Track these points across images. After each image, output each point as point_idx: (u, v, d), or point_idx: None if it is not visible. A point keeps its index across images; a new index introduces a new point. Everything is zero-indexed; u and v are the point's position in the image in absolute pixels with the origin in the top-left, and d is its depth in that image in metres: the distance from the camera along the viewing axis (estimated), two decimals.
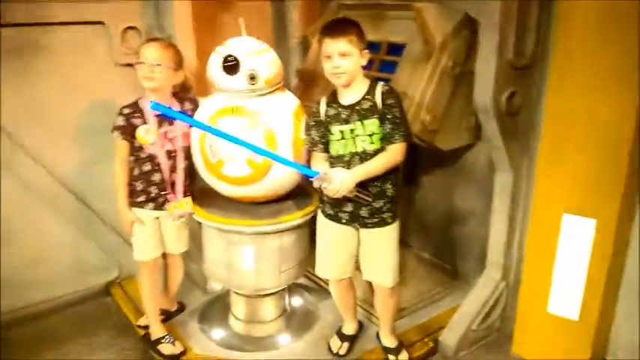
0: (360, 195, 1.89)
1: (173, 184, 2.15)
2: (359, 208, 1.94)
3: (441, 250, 2.89)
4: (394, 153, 1.86)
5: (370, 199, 1.91)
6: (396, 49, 2.33)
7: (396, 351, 2.20)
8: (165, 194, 2.15)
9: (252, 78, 1.93)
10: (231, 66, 1.91)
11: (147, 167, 2.12)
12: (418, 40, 2.22)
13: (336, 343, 2.26)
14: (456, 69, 2.19)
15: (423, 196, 2.90)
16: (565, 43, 1.87)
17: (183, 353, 2.25)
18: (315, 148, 1.96)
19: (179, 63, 2.12)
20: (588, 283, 1.95)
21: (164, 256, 2.32)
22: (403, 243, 2.97)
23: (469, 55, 2.18)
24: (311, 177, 1.86)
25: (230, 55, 1.92)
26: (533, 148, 2.08)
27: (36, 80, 2.40)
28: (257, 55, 1.97)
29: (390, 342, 2.23)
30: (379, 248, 2.01)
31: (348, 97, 1.90)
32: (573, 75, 1.87)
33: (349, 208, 1.96)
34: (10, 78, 2.34)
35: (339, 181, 1.81)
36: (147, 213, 2.17)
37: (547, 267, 2.05)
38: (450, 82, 2.20)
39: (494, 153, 2.11)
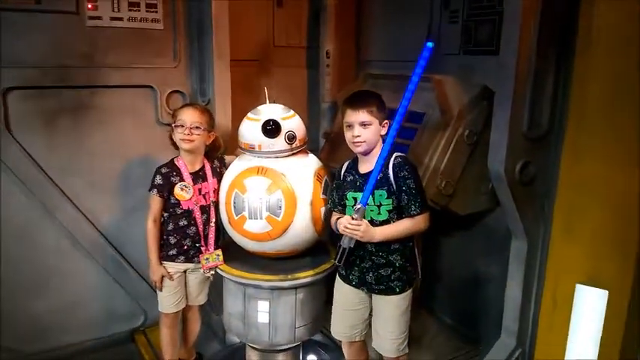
0: (344, 251, 1.93)
1: (206, 237, 2.28)
2: (366, 273, 1.98)
3: (463, 316, 2.86)
4: (416, 222, 1.90)
5: (336, 262, 1.98)
6: (416, 117, 2.45)
7: None
8: (199, 247, 2.27)
9: (291, 138, 2.09)
10: (272, 129, 2.06)
11: (183, 222, 2.26)
12: (437, 109, 2.33)
13: None
14: (473, 138, 2.28)
15: (446, 261, 2.91)
16: (580, 113, 1.90)
17: None
18: (335, 209, 2.06)
19: (213, 125, 2.30)
20: (601, 356, 1.90)
21: (184, 307, 2.41)
22: (426, 307, 2.99)
23: (488, 124, 2.22)
24: (361, 202, 1.88)
25: (270, 120, 2.08)
26: (548, 216, 2.08)
27: (85, 135, 2.62)
28: (290, 119, 2.13)
29: None
30: (384, 316, 2.02)
31: (365, 165, 1.98)
32: (588, 145, 1.88)
33: (357, 272, 2.00)
34: (62, 133, 2.56)
35: (366, 226, 1.87)
36: (177, 266, 2.29)
37: (561, 337, 2.00)
38: (465, 149, 2.29)
39: (510, 220, 2.12)
